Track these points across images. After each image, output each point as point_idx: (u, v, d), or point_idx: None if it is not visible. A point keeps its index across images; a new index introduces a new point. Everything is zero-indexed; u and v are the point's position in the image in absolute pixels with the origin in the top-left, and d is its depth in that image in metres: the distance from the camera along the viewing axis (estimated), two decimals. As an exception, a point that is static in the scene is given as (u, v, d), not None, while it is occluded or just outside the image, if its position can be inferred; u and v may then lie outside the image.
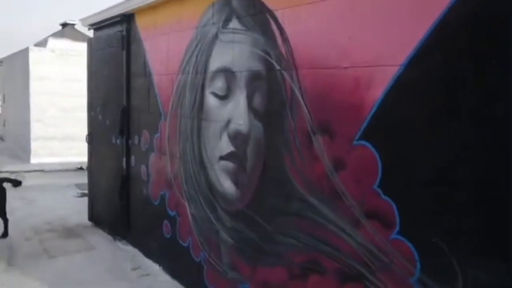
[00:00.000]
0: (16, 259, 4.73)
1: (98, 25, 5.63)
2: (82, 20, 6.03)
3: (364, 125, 2.24)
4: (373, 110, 2.19)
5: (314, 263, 2.60)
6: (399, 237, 2.10)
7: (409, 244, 2.06)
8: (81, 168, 10.00)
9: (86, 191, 6.60)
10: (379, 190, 2.18)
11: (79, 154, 10.73)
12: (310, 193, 2.60)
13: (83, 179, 8.05)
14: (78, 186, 8.37)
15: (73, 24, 14.68)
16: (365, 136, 2.24)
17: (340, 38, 2.35)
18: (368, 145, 2.23)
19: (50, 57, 11.23)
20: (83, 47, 13.12)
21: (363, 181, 2.26)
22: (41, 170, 10.00)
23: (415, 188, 2.03)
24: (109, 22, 5.28)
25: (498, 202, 1.75)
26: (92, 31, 5.96)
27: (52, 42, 12.51)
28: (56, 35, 13.97)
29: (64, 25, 14.78)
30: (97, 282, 4.20)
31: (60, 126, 11.20)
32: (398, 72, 2.06)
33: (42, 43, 13.02)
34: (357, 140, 2.28)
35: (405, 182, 2.08)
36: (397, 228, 2.11)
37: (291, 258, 2.78)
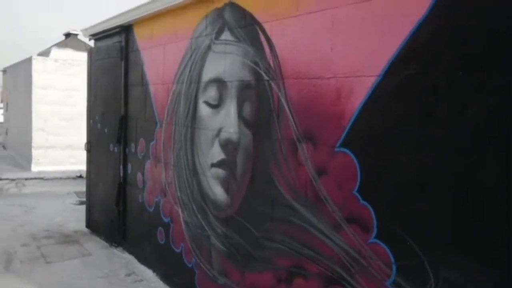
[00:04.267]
0: (13, 264, 4.81)
1: (99, 36, 5.78)
2: (83, 30, 6.18)
3: (345, 132, 2.33)
4: (353, 119, 2.29)
5: (299, 267, 2.67)
6: (377, 240, 2.18)
7: (386, 248, 2.14)
8: (80, 176, 10.10)
9: (85, 199, 6.70)
10: (358, 195, 2.27)
11: (80, 162, 10.85)
12: (294, 198, 2.68)
13: (82, 187, 8.16)
14: (77, 194, 8.46)
15: (76, 34, 14.93)
16: (345, 144, 2.34)
17: (323, 50, 2.46)
18: (348, 152, 2.32)
19: (53, 66, 11.40)
20: (85, 57, 13.28)
21: (344, 186, 2.35)
22: (41, 178, 10.10)
23: (391, 193, 2.11)
24: (109, 33, 5.42)
25: (469, 206, 1.83)
26: (93, 41, 6.12)
27: (55, 52, 12.72)
28: (59, 45, 14.19)
29: (67, 35, 15.03)
30: (92, 287, 4.27)
31: (61, 134, 11.34)
32: (376, 82, 2.16)
33: (45, 53, 13.21)
34: (338, 147, 2.38)
35: (382, 187, 2.17)
36: (375, 232, 2.19)
37: (277, 263, 2.85)
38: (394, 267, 2.11)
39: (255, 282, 3.06)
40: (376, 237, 2.19)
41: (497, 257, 1.72)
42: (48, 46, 14.28)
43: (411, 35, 1.99)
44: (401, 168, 2.06)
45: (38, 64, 11.07)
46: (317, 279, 2.54)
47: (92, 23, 5.90)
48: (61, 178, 10.20)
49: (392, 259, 2.11)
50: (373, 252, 2.20)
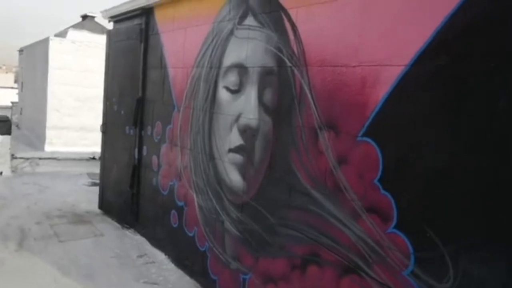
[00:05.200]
0: (26, 241, 4.89)
1: (119, 18, 5.79)
2: (103, 12, 6.19)
3: (368, 122, 2.32)
4: (377, 108, 2.27)
5: (314, 255, 2.68)
6: (396, 231, 2.18)
7: (405, 238, 2.13)
8: (93, 158, 10.20)
9: (97, 181, 6.76)
10: (379, 185, 2.26)
11: (93, 144, 10.98)
12: (313, 187, 2.68)
13: (95, 168, 8.25)
14: (89, 175, 8.55)
15: (93, 17, 14.96)
16: (368, 133, 2.32)
17: (351, 37, 2.43)
18: (371, 141, 2.31)
19: (69, 47, 11.47)
20: (101, 39, 13.29)
21: (365, 175, 2.34)
22: (54, 158, 10.22)
23: (412, 184, 2.10)
24: (129, 15, 5.42)
25: (495, 199, 1.81)
26: (112, 23, 6.13)
27: (72, 33, 12.76)
28: (76, 26, 14.24)
29: (84, 17, 15.07)
30: (103, 266, 4.32)
31: (75, 116, 11.44)
32: (403, 72, 2.14)
33: (62, 34, 13.27)
34: (361, 136, 2.36)
35: (404, 177, 2.15)
36: (394, 222, 2.18)
37: (292, 249, 2.86)
38: (412, 258, 2.10)
39: (268, 267, 3.08)
40: (395, 227, 2.18)
41: (521, 252, 1.71)
42: (65, 27, 14.34)
43: (443, 25, 1.96)
44: (426, 159, 2.05)
45: (55, 45, 11.13)
46: (332, 267, 2.55)
47: (109, 6, 5.91)
48: (74, 159, 10.30)
49: (411, 250, 2.10)
50: (391, 242, 2.19)
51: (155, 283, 4.03)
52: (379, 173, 2.26)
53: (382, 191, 2.24)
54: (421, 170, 2.08)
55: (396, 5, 2.19)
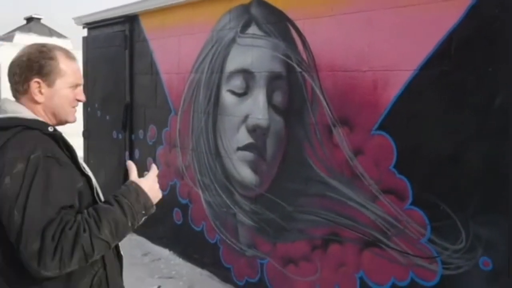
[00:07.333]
0: (26, 250, 4.93)
1: (95, 25, 5.86)
2: (76, 19, 6.21)
3: (381, 118, 2.76)
4: (390, 106, 2.71)
5: (335, 235, 3.10)
6: (412, 207, 2.64)
7: (421, 212, 2.60)
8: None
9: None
10: (395, 170, 2.71)
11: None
12: (330, 176, 3.09)
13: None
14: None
15: (39, 19, 14.41)
16: (382, 127, 2.76)
17: (360, 47, 2.85)
18: (385, 134, 2.75)
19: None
20: (51, 42, 12.83)
21: (381, 163, 2.78)
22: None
23: (426, 168, 2.57)
24: (109, 22, 5.53)
25: (496, 175, 2.31)
26: (86, 30, 6.16)
27: (19, 37, 12.31)
28: (22, 29, 13.68)
29: (30, 19, 14.48)
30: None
31: (32, 122, 11.09)
32: (412, 76, 2.59)
33: (7, 38, 12.74)
34: (375, 130, 2.80)
35: (417, 163, 2.61)
36: (410, 200, 2.64)
37: (312, 232, 3.26)
38: (428, 228, 2.57)
39: (288, 250, 3.46)
40: (411, 204, 2.64)
41: (519, 214, 2.22)
42: (7, 30, 13.74)
43: (445, 38, 2.42)
44: (436, 147, 2.52)
45: (6, 51, 10.72)
46: (353, 243, 2.98)
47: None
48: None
49: (427, 221, 2.57)
50: (409, 216, 2.65)
51: (170, 277, 4.29)
52: (394, 161, 2.71)
53: (398, 175, 2.69)
54: (432, 155, 2.55)
55: (401, 20, 2.63)
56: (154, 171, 1.49)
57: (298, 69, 3.27)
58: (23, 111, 1.43)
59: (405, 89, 2.63)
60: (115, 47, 5.48)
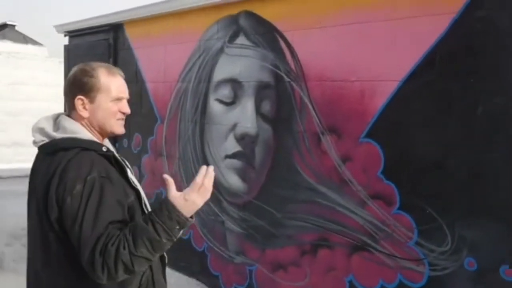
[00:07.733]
0: (6, 263, 4.82)
1: (77, 33, 5.83)
2: (57, 27, 6.16)
3: (369, 126, 2.86)
4: (377, 115, 2.82)
5: (324, 240, 3.18)
6: (399, 211, 2.75)
7: (408, 216, 2.71)
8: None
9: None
10: (382, 176, 2.81)
11: (28, 160, 10.51)
12: (319, 182, 3.18)
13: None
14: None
15: (14, 25, 14.14)
16: (369, 135, 2.87)
17: (349, 58, 2.96)
18: (372, 141, 2.85)
19: (-6, 59, 10.86)
20: (27, 49, 12.68)
21: (368, 170, 2.88)
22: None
23: (413, 173, 2.68)
24: (92, 30, 5.51)
25: (480, 179, 2.44)
26: (67, 37, 6.12)
27: (-7, 44, 12.04)
28: (-5, 36, 13.40)
29: (3, 26, 14.17)
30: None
31: (6, 131, 10.86)
32: (398, 86, 2.71)
33: (-20, 45, 12.44)
34: (363, 138, 2.90)
35: (404, 169, 2.73)
36: (398, 205, 2.75)
37: (301, 238, 3.33)
38: (415, 231, 2.68)
39: (277, 256, 3.52)
40: (399, 209, 2.75)
41: (500, 216, 2.35)
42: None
43: (430, 50, 2.55)
44: (422, 153, 2.63)
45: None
46: (342, 247, 3.07)
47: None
48: (20, 176, 9.83)
49: (414, 225, 2.68)
50: (396, 220, 2.76)
51: (157, 286, 4.27)
52: (381, 167, 2.81)
53: (386, 181, 2.80)
54: (418, 162, 2.66)
55: (390, 32, 2.75)
56: (200, 176, 1.52)
57: (287, 79, 3.36)
58: (80, 132, 1.55)
59: (392, 98, 2.75)
60: (98, 55, 5.46)
